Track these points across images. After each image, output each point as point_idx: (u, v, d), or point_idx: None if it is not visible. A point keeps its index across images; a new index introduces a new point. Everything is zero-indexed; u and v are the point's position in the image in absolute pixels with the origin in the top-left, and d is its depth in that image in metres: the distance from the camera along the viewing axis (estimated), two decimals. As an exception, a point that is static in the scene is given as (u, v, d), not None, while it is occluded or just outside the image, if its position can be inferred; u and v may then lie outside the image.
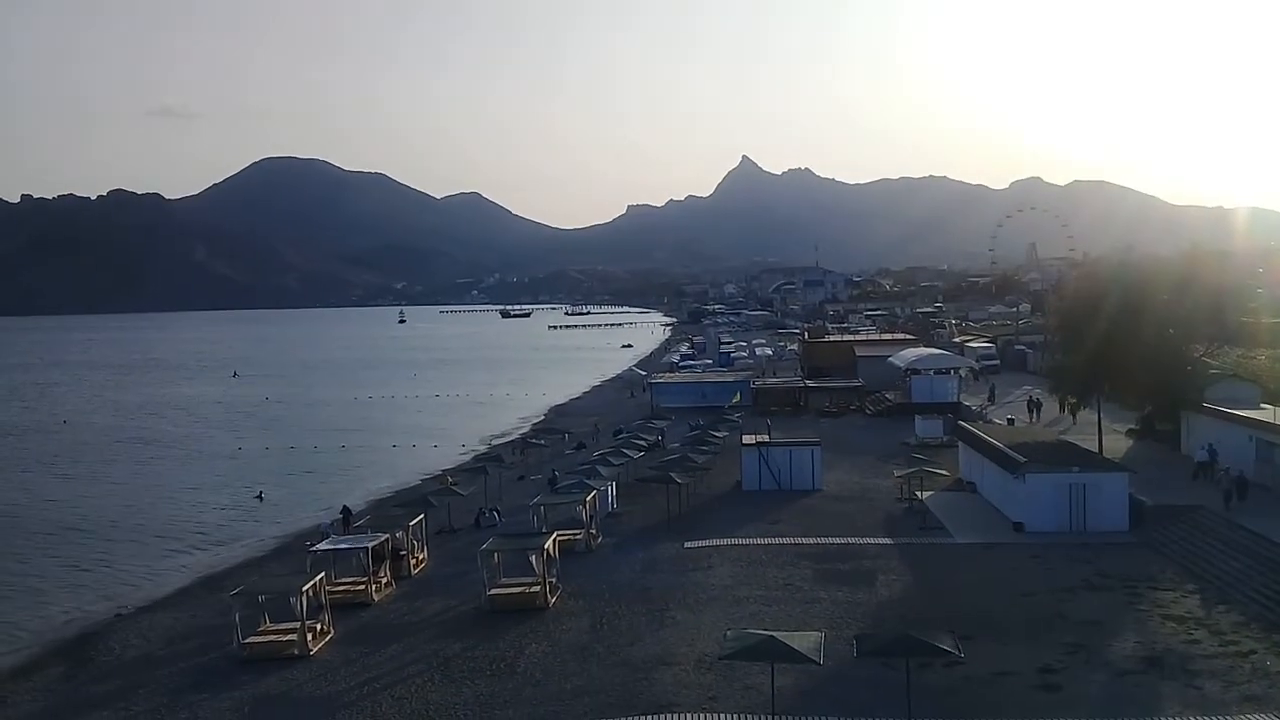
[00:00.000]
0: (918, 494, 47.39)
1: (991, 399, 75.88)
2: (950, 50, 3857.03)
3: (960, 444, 54.47)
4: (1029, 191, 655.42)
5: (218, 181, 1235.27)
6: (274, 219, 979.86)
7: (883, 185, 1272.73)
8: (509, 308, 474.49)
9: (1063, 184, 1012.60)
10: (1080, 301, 55.43)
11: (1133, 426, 56.92)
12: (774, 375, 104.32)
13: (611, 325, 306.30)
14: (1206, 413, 49.58)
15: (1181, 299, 51.41)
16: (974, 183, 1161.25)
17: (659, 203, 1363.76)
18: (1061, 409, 61.32)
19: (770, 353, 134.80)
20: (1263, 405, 48.05)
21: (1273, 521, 36.35)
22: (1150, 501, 41.24)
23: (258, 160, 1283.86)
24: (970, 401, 76.01)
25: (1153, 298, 50.80)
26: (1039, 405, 67.44)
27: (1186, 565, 35.47)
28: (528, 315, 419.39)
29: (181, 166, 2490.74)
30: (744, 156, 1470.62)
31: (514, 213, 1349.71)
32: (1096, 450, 49.18)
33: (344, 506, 52.46)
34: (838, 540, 41.00)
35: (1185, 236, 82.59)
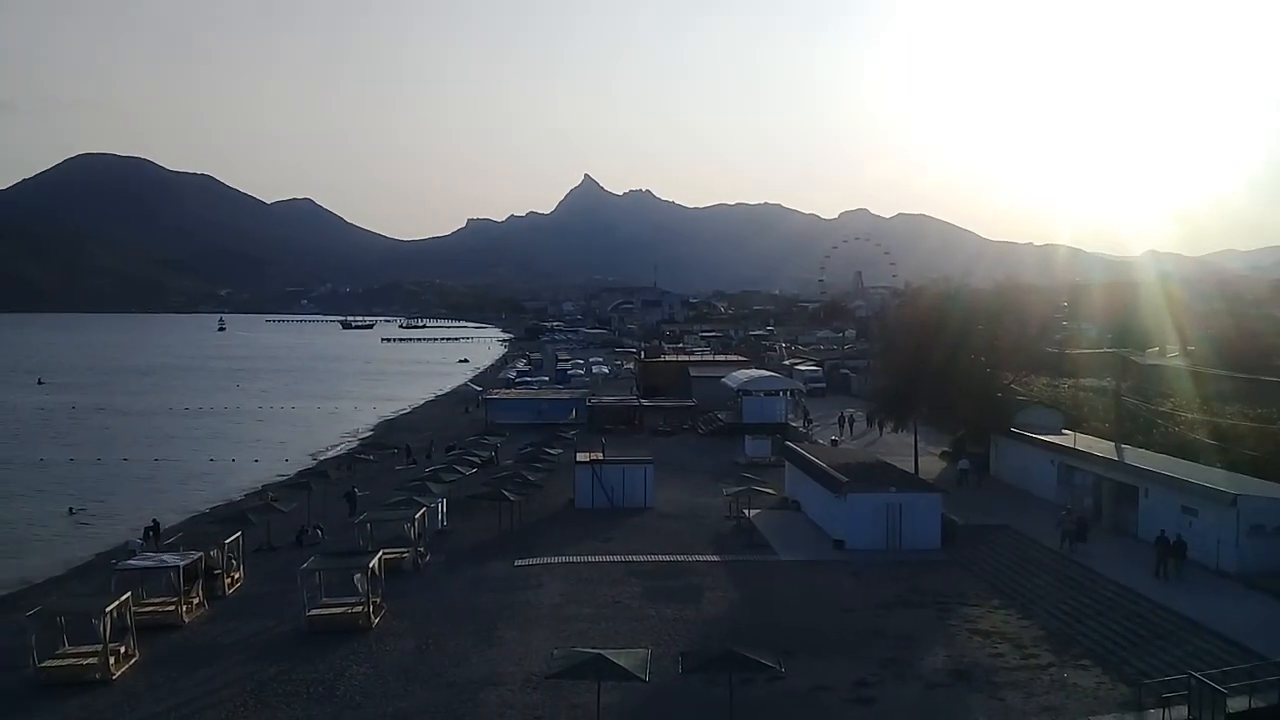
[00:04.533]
0: (745, 512, 48.46)
1: (808, 419, 78.80)
2: (790, 82, 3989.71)
3: (787, 463, 55.97)
4: (857, 222, 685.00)
5: (27, 177, 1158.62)
6: (89, 218, 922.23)
7: (721, 210, 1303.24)
8: (350, 319, 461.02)
9: (888, 216, 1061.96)
10: (901, 329, 58.02)
11: (946, 449, 59.70)
12: (610, 393, 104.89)
13: (448, 340, 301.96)
14: (1013, 437, 52.53)
15: (995, 329, 54.45)
16: (807, 212, 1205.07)
17: (500, 217, 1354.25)
18: (870, 423, 64.46)
19: (606, 371, 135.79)
20: (1064, 431, 51.26)
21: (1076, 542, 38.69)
22: (961, 521, 43.32)
23: (73, 156, 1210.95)
24: (797, 422, 78.47)
25: (968, 327, 53.60)
26: (850, 421, 72.92)
27: (993, 582, 37.43)
28: (370, 327, 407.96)
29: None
30: (586, 175, 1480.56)
31: (349, 221, 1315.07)
32: (912, 471, 51.38)
33: (153, 520, 50.33)
34: (667, 558, 41.52)
35: (1004, 270, 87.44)
